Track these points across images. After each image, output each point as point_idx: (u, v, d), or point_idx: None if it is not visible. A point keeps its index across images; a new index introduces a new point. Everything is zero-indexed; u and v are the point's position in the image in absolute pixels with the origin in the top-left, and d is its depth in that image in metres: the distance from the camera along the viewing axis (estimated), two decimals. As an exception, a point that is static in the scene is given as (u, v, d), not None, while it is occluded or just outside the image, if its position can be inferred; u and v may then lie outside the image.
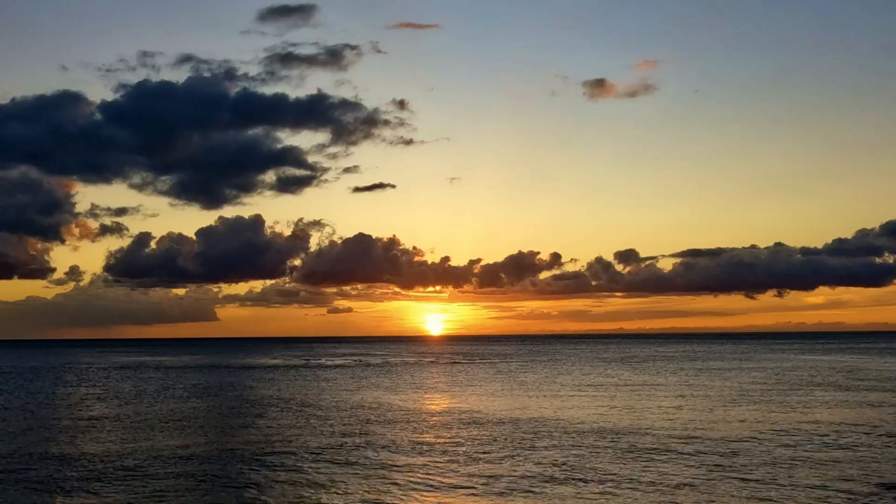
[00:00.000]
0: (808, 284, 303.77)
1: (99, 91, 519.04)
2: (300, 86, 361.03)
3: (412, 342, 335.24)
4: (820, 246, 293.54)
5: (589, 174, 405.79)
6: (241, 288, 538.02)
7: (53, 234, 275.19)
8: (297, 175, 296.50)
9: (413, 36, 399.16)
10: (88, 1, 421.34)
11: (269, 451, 31.67)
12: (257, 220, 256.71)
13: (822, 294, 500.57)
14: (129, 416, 45.43)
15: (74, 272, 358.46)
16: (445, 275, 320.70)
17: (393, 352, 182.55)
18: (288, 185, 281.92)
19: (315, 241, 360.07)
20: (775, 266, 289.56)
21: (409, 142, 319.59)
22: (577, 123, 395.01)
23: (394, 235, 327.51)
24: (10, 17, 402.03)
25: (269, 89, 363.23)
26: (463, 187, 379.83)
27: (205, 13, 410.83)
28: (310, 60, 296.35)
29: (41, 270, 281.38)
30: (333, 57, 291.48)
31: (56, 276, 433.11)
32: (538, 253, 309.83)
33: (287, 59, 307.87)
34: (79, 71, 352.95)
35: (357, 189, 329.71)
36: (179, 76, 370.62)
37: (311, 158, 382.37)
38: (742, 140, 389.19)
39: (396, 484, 24.93)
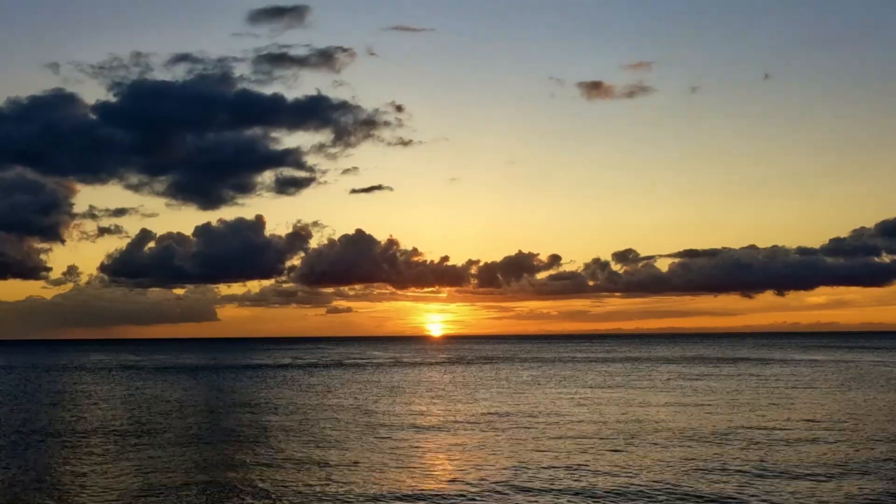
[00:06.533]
0: (806, 284, 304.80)
1: (91, 90, 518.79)
2: (293, 86, 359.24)
3: (417, 342, 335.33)
4: (817, 246, 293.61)
5: (586, 175, 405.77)
6: (238, 288, 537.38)
7: (52, 234, 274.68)
8: (296, 176, 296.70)
9: (407, 39, 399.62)
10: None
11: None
12: (257, 221, 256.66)
13: (823, 294, 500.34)
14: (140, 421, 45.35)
15: (72, 272, 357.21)
16: (444, 275, 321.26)
17: (414, 353, 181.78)
18: (286, 187, 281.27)
19: (315, 242, 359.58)
20: (773, 266, 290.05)
21: (408, 143, 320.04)
22: (574, 124, 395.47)
23: (390, 235, 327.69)
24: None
25: (263, 90, 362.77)
26: (461, 188, 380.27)
27: (197, 13, 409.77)
28: (302, 62, 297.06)
29: (39, 270, 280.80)
30: (326, 59, 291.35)
31: (53, 276, 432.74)
32: (537, 254, 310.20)
33: (279, 59, 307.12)
34: (70, 69, 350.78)
35: (355, 190, 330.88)
36: (173, 75, 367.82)
37: (309, 160, 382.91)
38: (739, 140, 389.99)
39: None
